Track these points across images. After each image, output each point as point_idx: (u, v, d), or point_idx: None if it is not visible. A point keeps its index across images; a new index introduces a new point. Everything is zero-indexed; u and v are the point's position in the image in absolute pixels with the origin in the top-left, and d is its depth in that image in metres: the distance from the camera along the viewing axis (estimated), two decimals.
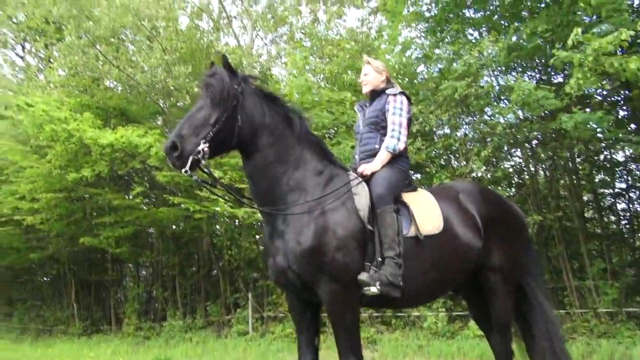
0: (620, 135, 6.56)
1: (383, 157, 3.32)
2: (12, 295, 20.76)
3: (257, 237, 13.21)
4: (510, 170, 10.50)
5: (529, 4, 8.25)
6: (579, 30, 5.70)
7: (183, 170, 2.81)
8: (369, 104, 3.68)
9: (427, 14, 9.39)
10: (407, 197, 3.33)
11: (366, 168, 3.28)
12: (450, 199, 3.43)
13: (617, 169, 9.40)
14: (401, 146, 3.36)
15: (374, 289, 2.86)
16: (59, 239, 14.39)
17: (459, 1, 8.72)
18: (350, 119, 8.84)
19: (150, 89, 12.30)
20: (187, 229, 13.11)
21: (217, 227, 13.91)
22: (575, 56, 5.63)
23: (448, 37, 8.57)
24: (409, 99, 3.55)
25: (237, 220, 13.29)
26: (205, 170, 3.01)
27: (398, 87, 3.71)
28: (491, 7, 8.73)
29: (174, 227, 13.80)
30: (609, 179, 9.53)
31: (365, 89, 3.72)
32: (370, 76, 3.66)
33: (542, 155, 8.60)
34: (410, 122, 3.63)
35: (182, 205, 11.02)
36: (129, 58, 11.99)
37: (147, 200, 13.81)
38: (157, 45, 11.69)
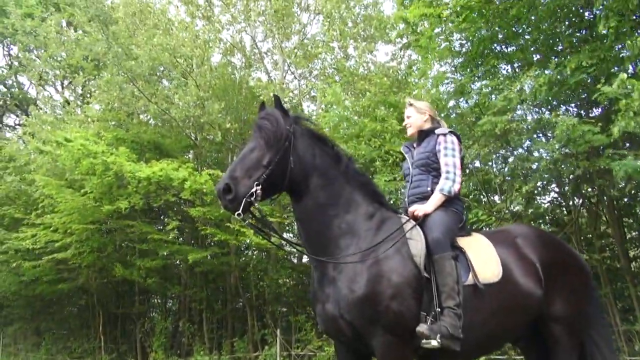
0: None
1: (437, 199, 3.22)
2: (40, 326, 20.87)
3: (288, 271, 13.08)
4: (547, 205, 10.23)
5: (565, 39, 8.18)
6: (624, 75, 5.60)
7: (236, 214, 2.76)
8: (416, 144, 3.60)
9: (459, 49, 9.39)
10: (463, 242, 3.20)
11: (419, 209, 3.17)
12: (507, 244, 3.27)
13: None
14: (456, 188, 3.26)
15: (434, 342, 2.70)
16: (89, 269, 14.49)
17: (493, 37, 8.71)
18: (390, 152, 8.79)
19: (183, 123, 12.51)
20: (216, 263, 13.07)
21: (245, 258, 13.87)
22: (621, 101, 5.51)
23: (481, 71, 8.50)
24: (459, 138, 3.46)
25: (265, 252, 13.23)
26: (258, 214, 2.95)
27: (444, 125, 3.63)
28: (522, 42, 8.68)
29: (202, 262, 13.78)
30: None
31: (410, 132, 3.66)
32: (413, 118, 3.62)
33: (588, 191, 8.32)
34: (462, 161, 3.53)
35: (213, 243, 11.04)
36: (165, 94, 12.26)
37: (179, 233, 13.90)
38: (192, 81, 11.96)
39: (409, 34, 9.93)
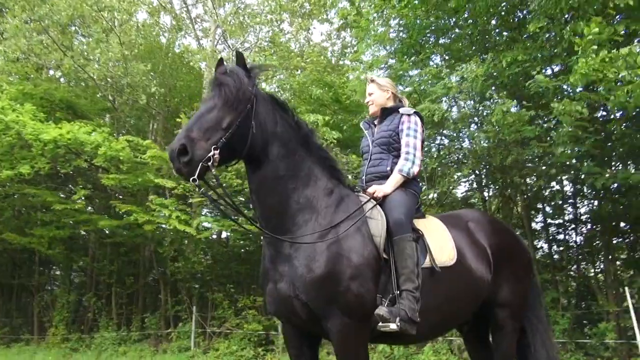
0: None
1: (396, 180, 3.13)
2: None
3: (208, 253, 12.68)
4: (463, 194, 10.77)
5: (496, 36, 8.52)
6: (541, 77, 5.96)
7: (191, 179, 2.50)
8: (377, 122, 3.51)
9: (395, 35, 9.46)
10: (419, 225, 3.14)
11: (378, 190, 3.08)
12: (460, 228, 3.29)
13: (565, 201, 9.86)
14: (416, 170, 3.19)
15: (392, 326, 2.62)
16: None
17: (429, 26, 8.87)
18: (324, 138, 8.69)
19: (102, 83, 11.53)
20: (131, 237, 12.34)
21: (161, 231, 13.23)
22: (556, 106, 5.85)
23: (417, 60, 8.62)
24: (422, 119, 3.39)
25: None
26: (213, 182, 2.69)
27: (407, 103, 3.56)
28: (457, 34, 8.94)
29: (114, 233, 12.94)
30: (555, 211, 9.98)
31: (372, 109, 3.52)
32: (376, 95, 3.48)
33: (499, 182, 8.81)
34: (423, 143, 3.48)
35: (127, 216, 10.38)
36: (82, 50, 11.18)
37: (89, 203, 12.90)
38: (114, 38, 11.00)
39: (352, 14, 9.81)
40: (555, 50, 6.71)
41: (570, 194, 9.86)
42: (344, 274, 2.66)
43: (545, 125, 7.17)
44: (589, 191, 8.99)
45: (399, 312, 2.65)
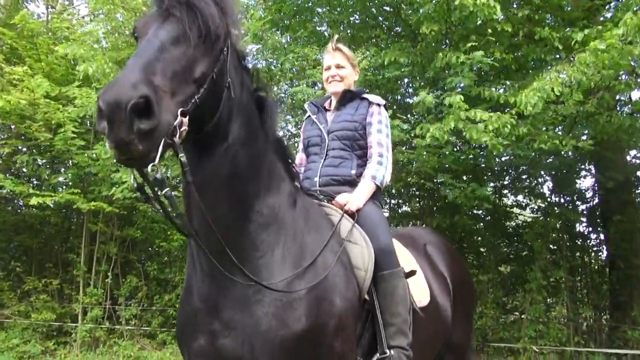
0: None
1: (369, 189, 2.42)
2: None
3: None
4: None
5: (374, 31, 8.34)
6: (424, 93, 5.96)
7: (150, 167, 1.41)
8: (334, 106, 2.69)
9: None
10: None
11: (350, 201, 2.32)
12: (420, 252, 2.72)
13: None
14: (389, 178, 2.52)
15: None
16: None
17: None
18: None
19: None
20: None
21: None
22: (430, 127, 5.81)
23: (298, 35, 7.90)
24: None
25: None
26: (156, 173, 1.51)
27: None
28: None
29: None
30: None
31: (336, 88, 2.67)
32: (347, 70, 2.66)
33: None
34: None
35: None
36: None
37: None
38: None
39: None
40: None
41: None
42: (327, 327, 1.86)
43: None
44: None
45: None
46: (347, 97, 2.65)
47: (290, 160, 2.19)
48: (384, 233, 2.28)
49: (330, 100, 2.76)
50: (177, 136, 1.46)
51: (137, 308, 8.72)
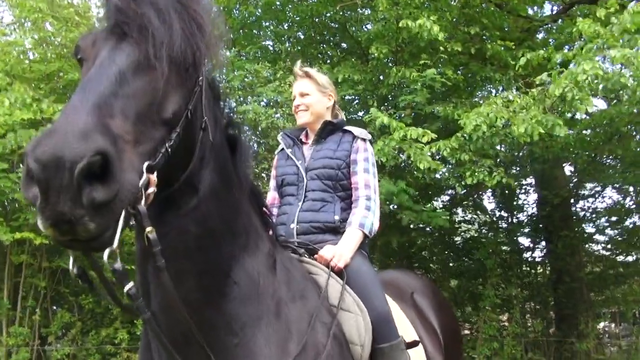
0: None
1: (357, 240, 2.09)
2: None
3: None
4: None
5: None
6: (375, 110, 5.89)
7: (107, 251, 1.04)
8: (312, 139, 2.36)
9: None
10: None
11: (336, 255, 2.00)
12: (408, 303, 2.44)
13: None
14: (377, 225, 2.20)
15: None
16: None
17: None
18: None
19: None
20: None
21: None
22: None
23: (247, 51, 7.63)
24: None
25: None
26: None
27: (342, 116, 2.55)
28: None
29: None
30: None
31: (305, 119, 2.34)
32: (314, 98, 2.32)
33: None
34: None
35: None
36: None
37: None
38: None
39: None
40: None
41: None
42: None
43: None
44: None
45: None
46: (327, 130, 2.32)
47: (265, 209, 1.86)
48: (379, 296, 1.98)
49: (307, 132, 2.42)
50: (143, 201, 1.09)
51: (70, 347, 7.92)
